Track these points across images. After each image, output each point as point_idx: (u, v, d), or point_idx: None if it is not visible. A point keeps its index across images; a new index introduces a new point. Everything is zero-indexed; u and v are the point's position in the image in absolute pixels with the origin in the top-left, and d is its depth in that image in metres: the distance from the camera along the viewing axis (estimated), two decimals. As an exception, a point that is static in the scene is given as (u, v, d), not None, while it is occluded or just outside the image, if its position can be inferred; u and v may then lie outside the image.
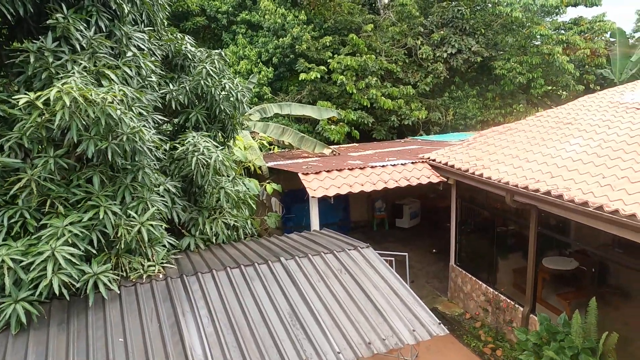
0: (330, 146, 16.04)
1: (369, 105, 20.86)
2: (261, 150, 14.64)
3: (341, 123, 20.42)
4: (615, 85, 16.08)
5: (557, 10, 22.44)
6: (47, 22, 5.20)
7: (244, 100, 8.41)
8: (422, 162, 12.54)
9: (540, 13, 22.17)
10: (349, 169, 11.88)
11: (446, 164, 11.61)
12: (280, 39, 21.69)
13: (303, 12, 22.56)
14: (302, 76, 20.62)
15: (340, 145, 18.78)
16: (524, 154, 10.01)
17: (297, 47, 21.40)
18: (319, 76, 20.64)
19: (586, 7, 22.46)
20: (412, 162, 12.48)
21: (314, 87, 21.51)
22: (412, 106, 21.50)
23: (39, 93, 4.57)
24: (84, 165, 5.22)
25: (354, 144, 19.72)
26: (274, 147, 16.81)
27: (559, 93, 22.76)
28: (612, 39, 24.54)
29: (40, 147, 4.78)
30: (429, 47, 22.06)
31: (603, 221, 6.82)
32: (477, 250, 11.92)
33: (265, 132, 15.42)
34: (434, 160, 12.22)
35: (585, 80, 23.39)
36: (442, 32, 22.34)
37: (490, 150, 11.22)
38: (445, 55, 22.05)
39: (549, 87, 22.52)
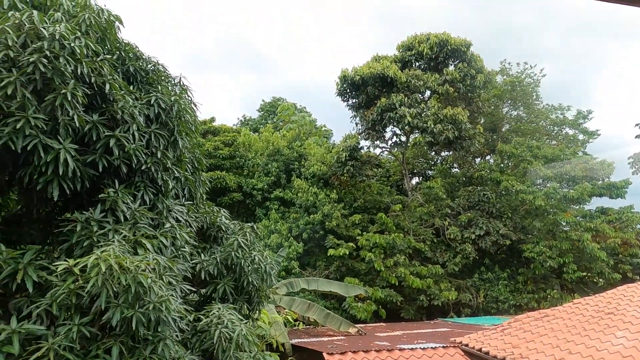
0: (356, 325, 15.50)
1: (397, 284, 20.60)
2: (285, 326, 14.19)
3: (368, 301, 19.97)
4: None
5: (579, 200, 22.96)
6: (100, 196, 5.61)
7: (272, 272, 8.43)
8: (454, 346, 11.84)
9: (564, 201, 22.72)
10: (376, 350, 11.29)
11: (480, 350, 10.90)
12: (311, 216, 22.55)
13: (334, 191, 23.80)
14: (331, 252, 20.92)
15: (367, 324, 18.07)
16: (565, 344, 9.36)
17: (327, 223, 22.09)
18: (347, 253, 20.91)
19: (611, 198, 22.99)
20: (444, 346, 11.80)
21: (342, 263, 21.61)
22: (441, 286, 21.10)
23: (78, 260, 4.72)
24: (105, 334, 5.11)
25: (381, 324, 18.98)
26: (299, 323, 16.31)
27: (594, 280, 22.08)
28: None
29: (67, 314, 4.77)
30: (456, 228, 22.44)
31: None
32: None
33: (290, 307, 15.11)
34: (466, 345, 11.52)
35: (621, 269, 22.77)
36: (469, 214, 22.92)
37: (527, 337, 10.58)
38: (473, 236, 22.30)
39: (583, 273, 21.97)
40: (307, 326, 16.64)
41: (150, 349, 5.38)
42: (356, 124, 25.55)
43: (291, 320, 15.41)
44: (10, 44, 4.79)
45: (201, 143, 24.74)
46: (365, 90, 23.82)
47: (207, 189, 8.78)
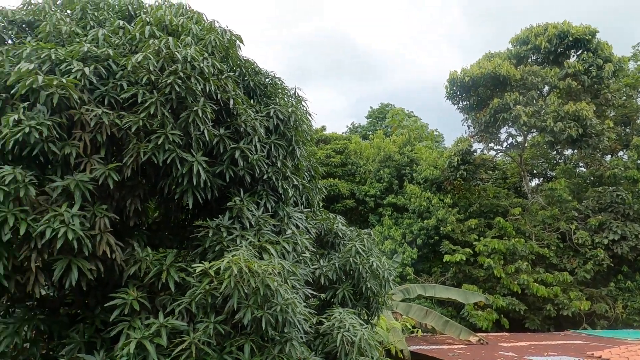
0: (477, 334, 14.87)
1: (519, 292, 19.41)
2: (403, 332, 14.02)
3: (489, 309, 19.04)
4: None
5: None
6: (227, 204, 6.06)
7: (390, 278, 8.40)
8: (591, 361, 10.86)
9: None
10: (501, 361, 10.71)
11: (623, 366, 9.88)
12: (425, 221, 22.09)
13: (448, 195, 23.12)
14: (447, 258, 20.34)
15: (488, 334, 17.25)
16: None
17: (441, 229, 21.51)
18: (464, 258, 20.18)
19: None
20: (579, 361, 10.88)
21: (459, 270, 20.87)
22: (570, 295, 19.48)
23: (212, 263, 5.13)
24: (237, 332, 5.46)
25: (504, 333, 18.02)
26: (417, 330, 16.01)
27: None
28: None
29: (203, 312, 5.19)
30: (585, 232, 20.61)
31: None
32: None
33: (407, 313, 14.92)
34: (606, 360, 10.51)
35: None
36: (600, 217, 20.94)
37: (681, 354, 9.38)
38: (606, 241, 20.33)
39: None
40: (425, 333, 16.31)
41: (278, 348, 5.64)
42: (468, 126, 24.71)
43: (409, 327, 15.19)
44: (151, 68, 5.38)
45: (314, 151, 25.40)
46: (476, 91, 22.91)
47: (322, 196, 9.00)
